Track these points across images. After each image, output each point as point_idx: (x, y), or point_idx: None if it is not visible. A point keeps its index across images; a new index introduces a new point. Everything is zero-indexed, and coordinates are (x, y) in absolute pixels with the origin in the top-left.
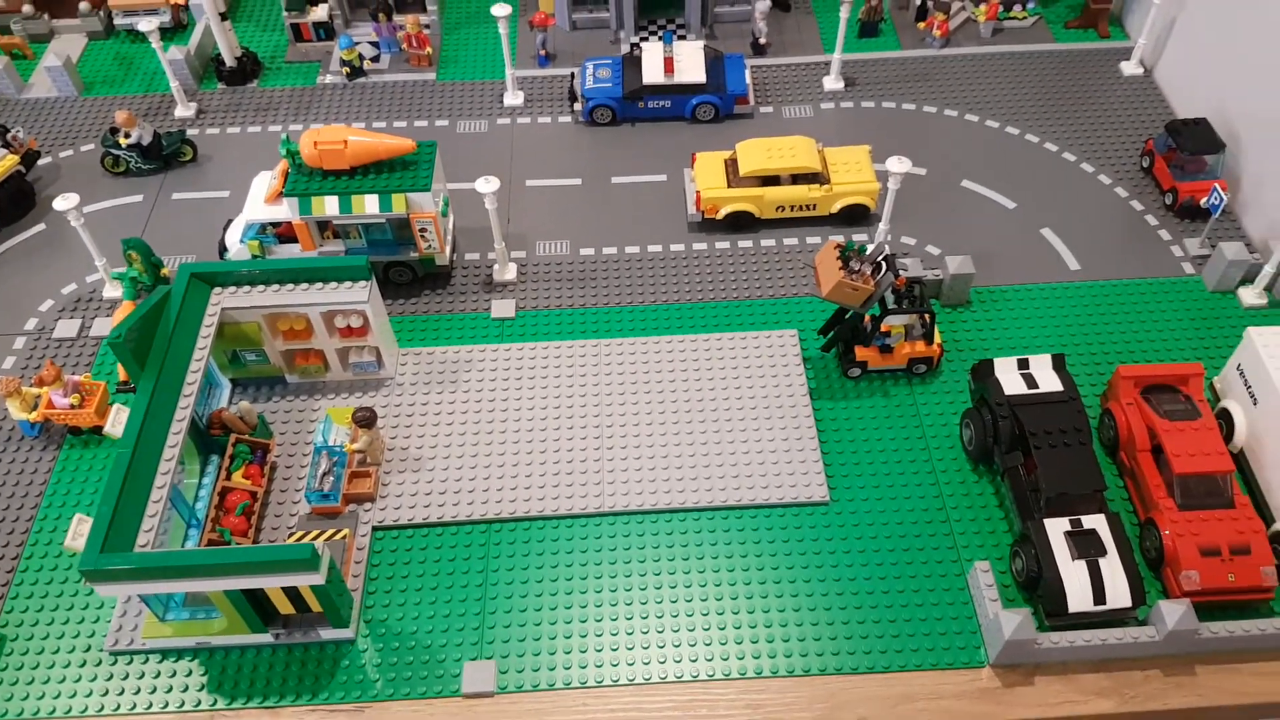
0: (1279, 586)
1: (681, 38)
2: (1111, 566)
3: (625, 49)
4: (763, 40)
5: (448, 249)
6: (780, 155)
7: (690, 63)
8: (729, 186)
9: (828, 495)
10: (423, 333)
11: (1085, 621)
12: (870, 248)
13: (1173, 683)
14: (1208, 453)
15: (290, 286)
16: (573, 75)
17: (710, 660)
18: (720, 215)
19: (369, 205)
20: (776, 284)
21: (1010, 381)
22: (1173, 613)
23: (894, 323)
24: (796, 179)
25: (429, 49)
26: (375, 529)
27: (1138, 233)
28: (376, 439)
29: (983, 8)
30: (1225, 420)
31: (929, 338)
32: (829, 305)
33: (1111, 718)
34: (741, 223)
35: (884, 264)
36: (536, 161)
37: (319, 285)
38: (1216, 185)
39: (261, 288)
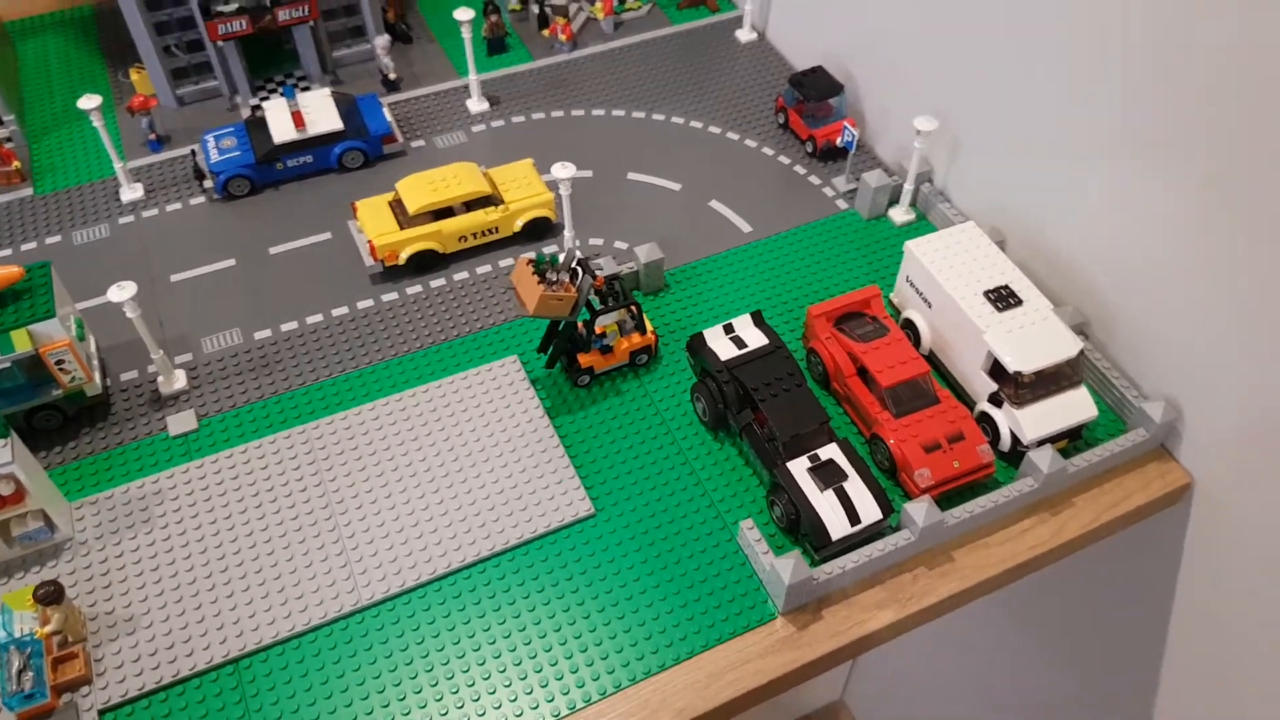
0: (997, 460)
1: (305, 89)
2: (855, 487)
3: (246, 114)
4: (392, 75)
5: (96, 375)
6: (445, 185)
7: (321, 112)
8: (402, 228)
9: (592, 508)
10: (94, 477)
11: (849, 545)
12: (561, 256)
13: (937, 574)
14: (904, 361)
15: None
16: (193, 152)
17: (520, 715)
18: (402, 260)
19: None
20: (483, 315)
21: (722, 348)
22: (919, 511)
23: (605, 322)
24: (470, 206)
25: (16, 163)
26: (102, 712)
27: (792, 184)
28: (71, 613)
29: (598, 4)
30: (910, 329)
31: (642, 328)
32: (541, 322)
33: (897, 625)
34: (427, 262)
35: (579, 268)
36: (178, 253)
37: None
38: (846, 124)
39: None
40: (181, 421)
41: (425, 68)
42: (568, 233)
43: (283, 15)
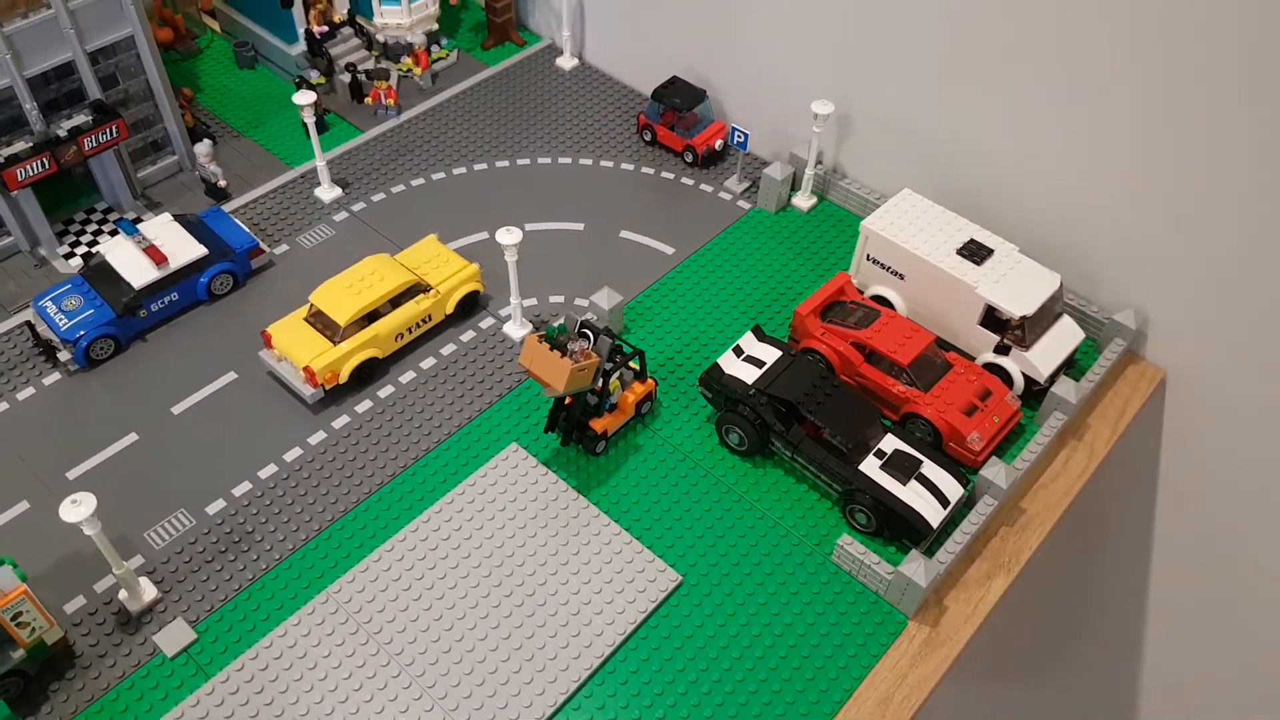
0: (1022, 405)
1: (137, 220)
2: (932, 469)
3: (69, 264)
4: (221, 183)
5: (52, 619)
6: (367, 285)
7: (175, 241)
8: (336, 343)
9: (678, 575)
10: None
11: (943, 528)
12: (563, 324)
13: (1019, 528)
14: (910, 336)
15: None
16: (29, 324)
17: None
18: (344, 378)
19: None
20: (452, 411)
21: (743, 372)
22: (998, 474)
23: (612, 379)
24: (396, 301)
25: None
26: None
27: (687, 197)
28: None
29: (408, 60)
30: (884, 303)
31: (642, 376)
32: (544, 402)
33: (1009, 592)
34: (365, 373)
35: (589, 331)
36: (60, 445)
37: None
38: (734, 127)
39: None
40: (174, 636)
41: (246, 165)
42: (514, 299)
43: (88, 143)
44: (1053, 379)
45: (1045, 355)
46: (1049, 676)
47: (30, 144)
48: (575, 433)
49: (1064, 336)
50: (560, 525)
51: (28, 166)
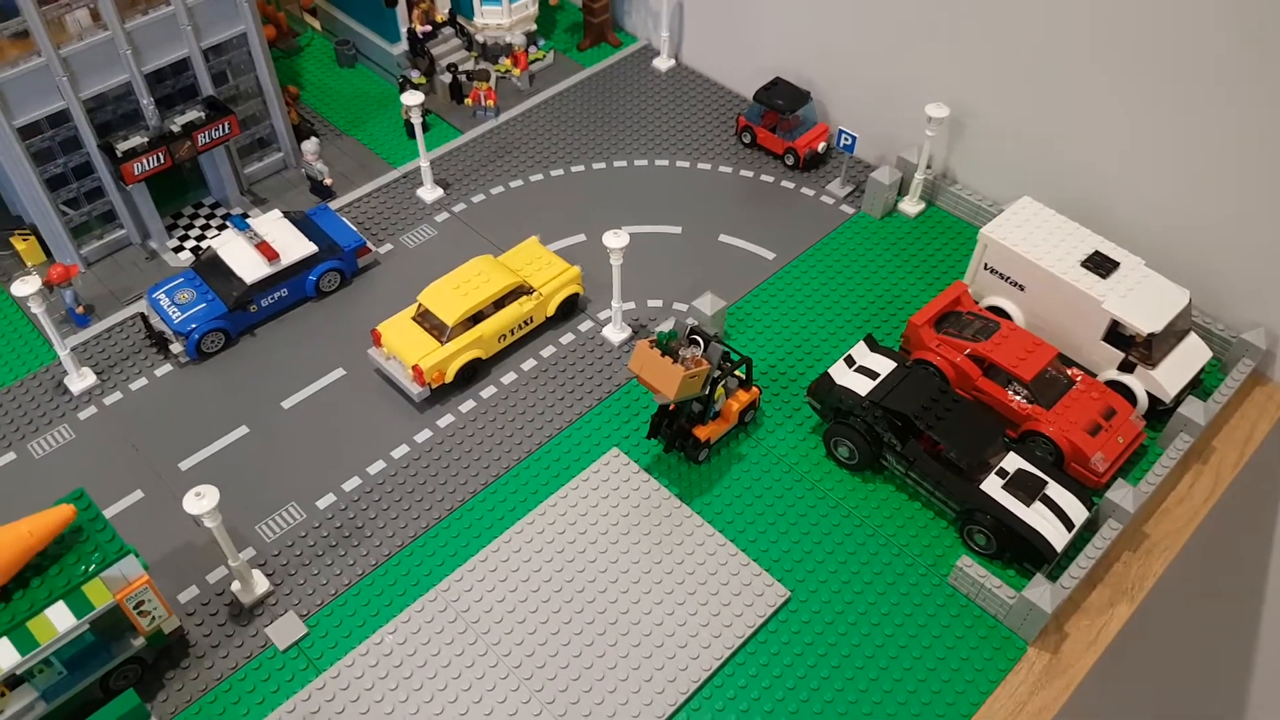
0: (1147, 425)
1: (245, 215)
2: (1057, 491)
3: (179, 257)
4: (327, 180)
5: (170, 608)
6: (473, 287)
7: (285, 237)
8: (444, 343)
9: (786, 591)
10: None
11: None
12: (674, 330)
13: (1143, 554)
14: (1031, 350)
15: None
16: (143, 317)
17: None
18: (450, 377)
19: (60, 621)
20: (551, 413)
21: (855, 382)
22: (1125, 498)
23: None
24: (500, 302)
25: None
26: None
27: (787, 201)
28: None
29: (506, 61)
30: (1001, 315)
31: (747, 384)
32: (644, 407)
33: (1133, 620)
34: (470, 373)
35: (700, 337)
36: (172, 435)
37: None
38: (841, 129)
39: None
40: (286, 630)
41: (349, 165)
42: (616, 304)
43: (202, 139)
44: (1179, 399)
45: (1171, 374)
46: (1154, 701)
47: (146, 139)
48: (678, 440)
49: (1191, 355)
50: (664, 533)
51: (144, 160)
